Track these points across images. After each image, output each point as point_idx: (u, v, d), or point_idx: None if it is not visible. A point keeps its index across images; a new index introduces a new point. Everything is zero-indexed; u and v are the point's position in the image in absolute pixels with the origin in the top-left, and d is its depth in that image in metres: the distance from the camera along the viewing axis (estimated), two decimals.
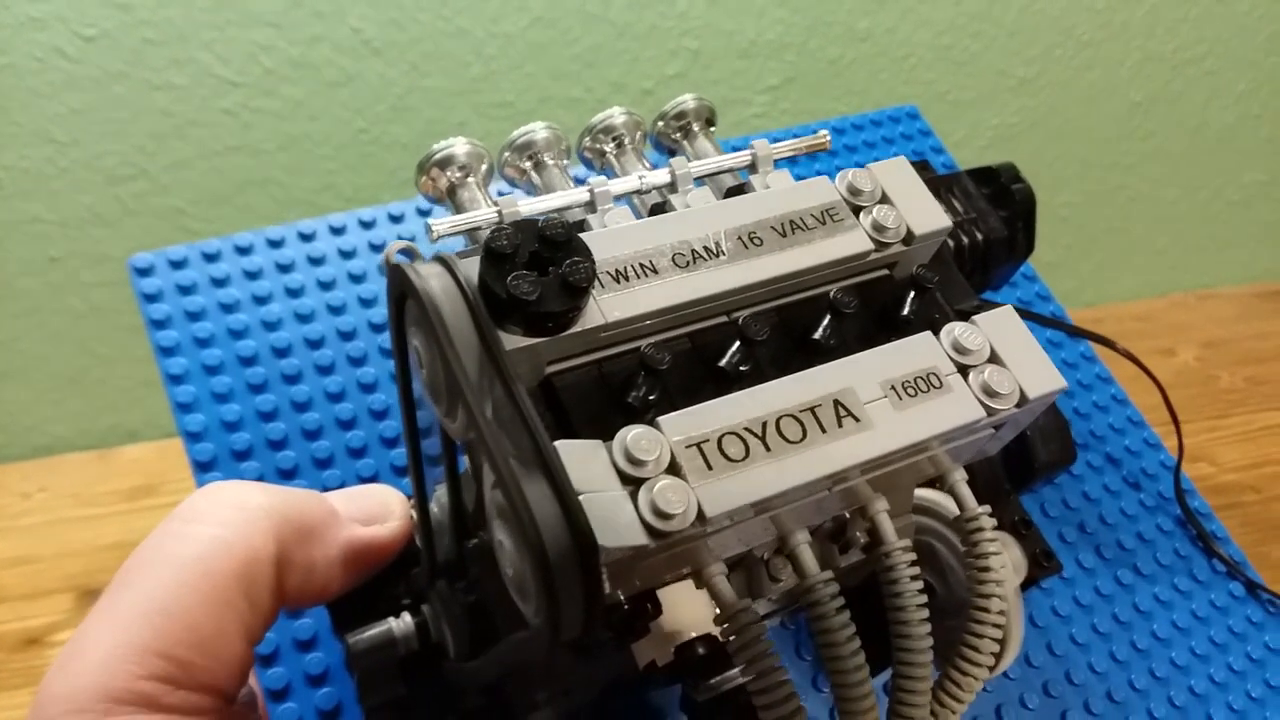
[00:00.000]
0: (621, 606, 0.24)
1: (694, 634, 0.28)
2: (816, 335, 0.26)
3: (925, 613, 0.26)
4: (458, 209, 0.29)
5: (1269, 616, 0.47)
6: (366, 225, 0.44)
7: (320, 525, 0.27)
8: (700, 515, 0.22)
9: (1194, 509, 0.50)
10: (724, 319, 0.26)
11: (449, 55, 0.72)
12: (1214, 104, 0.90)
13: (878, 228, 0.27)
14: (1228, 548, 0.49)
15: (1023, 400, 0.26)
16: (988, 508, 0.28)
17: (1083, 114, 0.87)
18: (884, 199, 0.28)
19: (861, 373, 0.25)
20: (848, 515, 0.27)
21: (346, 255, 0.43)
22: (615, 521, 0.21)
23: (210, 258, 0.41)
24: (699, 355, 0.25)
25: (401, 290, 0.23)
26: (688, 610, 0.28)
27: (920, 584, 0.27)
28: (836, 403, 0.24)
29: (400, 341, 0.25)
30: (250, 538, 0.24)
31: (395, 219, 0.45)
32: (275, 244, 0.42)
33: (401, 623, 0.30)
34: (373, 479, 0.38)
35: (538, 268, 0.23)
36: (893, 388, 0.25)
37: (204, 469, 0.36)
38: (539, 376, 0.24)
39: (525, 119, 0.74)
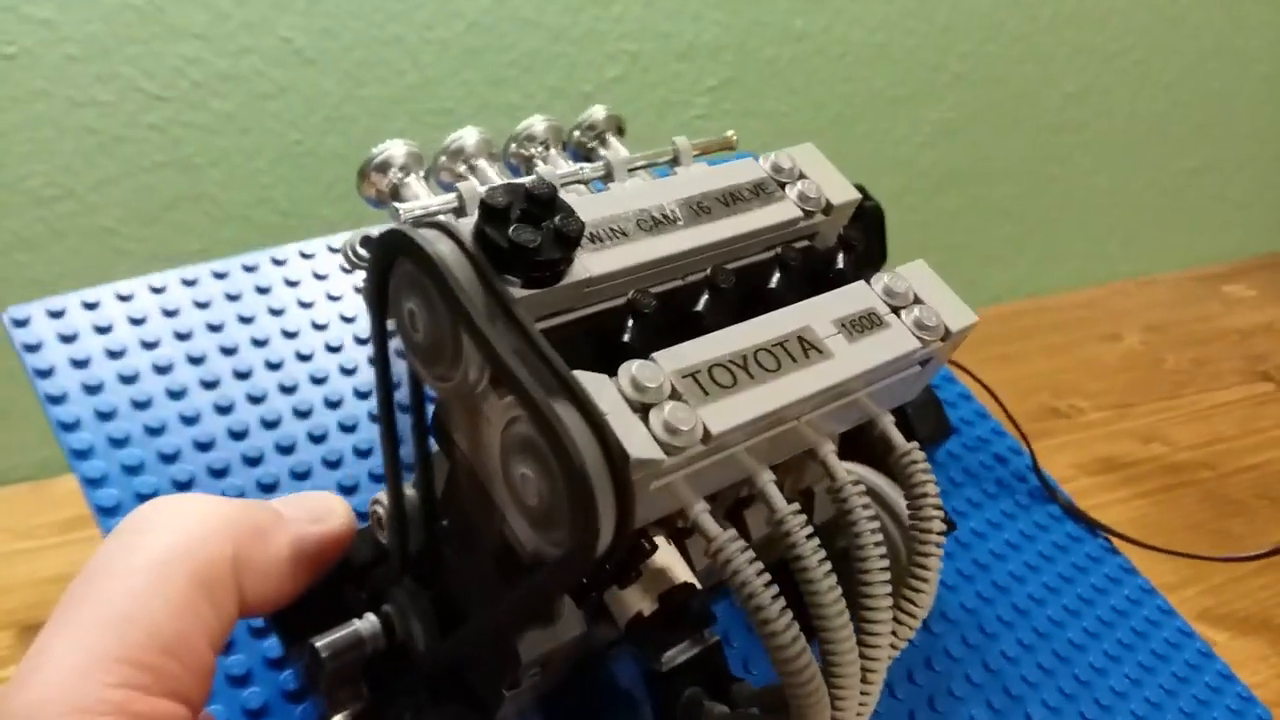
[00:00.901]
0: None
1: (676, 583, 0.32)
2: (771, 285, 0.31)
3: (880, 537, 0.31)
4: None
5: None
6: (250, 269, 0.47)
7: (269, 526, 0.29)
8: (706, 432, 0.26)
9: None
10: (683, 281, 0.31)
11: (384, 63, 0.76)
12: (1143, 94, 0.98)
13: (803, 198, 0.33)
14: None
15: (946, 334, 0.32)
16: (914, 445, 0.33)
17: (1017, 107, 0.94)
18: (802, 175, 0.34)
19: (815, 314, 0.30)
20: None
21: (233, 299, 0.46)
22: (633, 439, 0.25)
23: (90, 306, 0.43)
24: (675, 305, 0.30)
25: (390, 254, 0.27)
26: (666, 572, 0.32)
27: (871, 513, 0.31)
28: (800, 338, 0.29)
29: (380, 314, 0.29)
30: (207, 540, 0.26)
31: (279, 262, 0.48)
32: (158, 290, 0.45)
33: (366, 622, 0.34)
34: None
35: (530, 224, 0.27)
36: (843, 325, 0.30)
37: (109, 514, 0.38)
38: None
39: (464, 126, 0.79)
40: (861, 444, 0.34)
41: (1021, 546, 0.53)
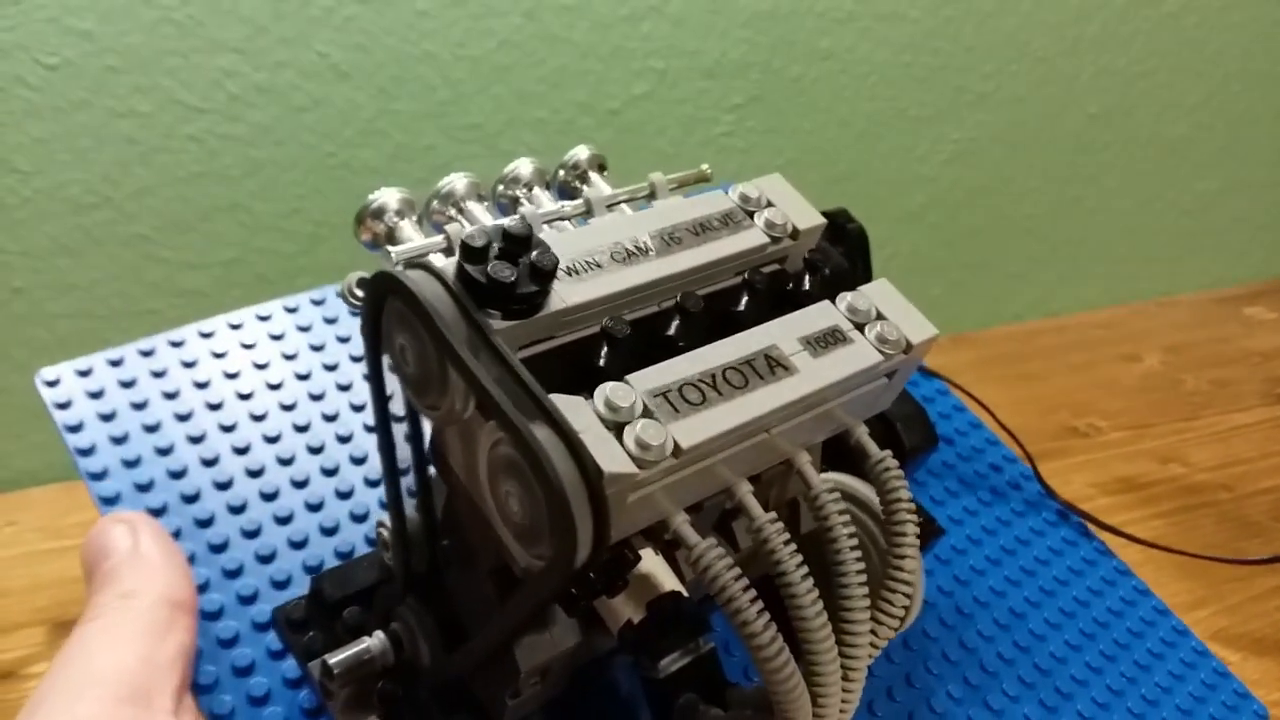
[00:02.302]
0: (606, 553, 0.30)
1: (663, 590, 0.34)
2: (740, 308, 0.33)
3: (854, 542, 0.33)
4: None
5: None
6: (264, 319, 0.51)
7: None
8: (676, 447, 0.28)
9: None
10: (657, 307, 0.33)
11: (416, 79, 0.78)
12: (1166, 116, 0.98)
13: (770, 225, 0.36)
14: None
15: (908, 347, 0.34)
16: (889, 452, 0.35)
17: (1041, 128, 0.95)
18: (769, 204, 0.36)
19: (780, 334, 0.32)
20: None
21: (248, 347, 0.49)
22: (607, 455, 0.27)
23: (115, 363, 0.47)
24: (647, 330, 0.32)
25: (383, 292, 0.30)
26: (652, 581, 0.34)
27: (846, 518, 0.33)
28: (767, 356, 0.31)
29: (375, 350, 0.31)
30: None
31: (291, 310, 0.52)
32: (177, 344, 0.48)
33: (376, 640, 0.36)
34: (303, 543, 0.44)
35: (508, 261, 0.29)
36: (808, 343, 0.32)
37: None
38: None
39: (494, 141, 0.81)
40: (845, 453, 0.36)
41: (1017, 551, 0.55)
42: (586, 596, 0.31)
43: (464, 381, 0.28)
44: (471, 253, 0.28)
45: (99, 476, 0.43)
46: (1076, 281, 1.04)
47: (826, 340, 0.33)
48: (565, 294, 0.30)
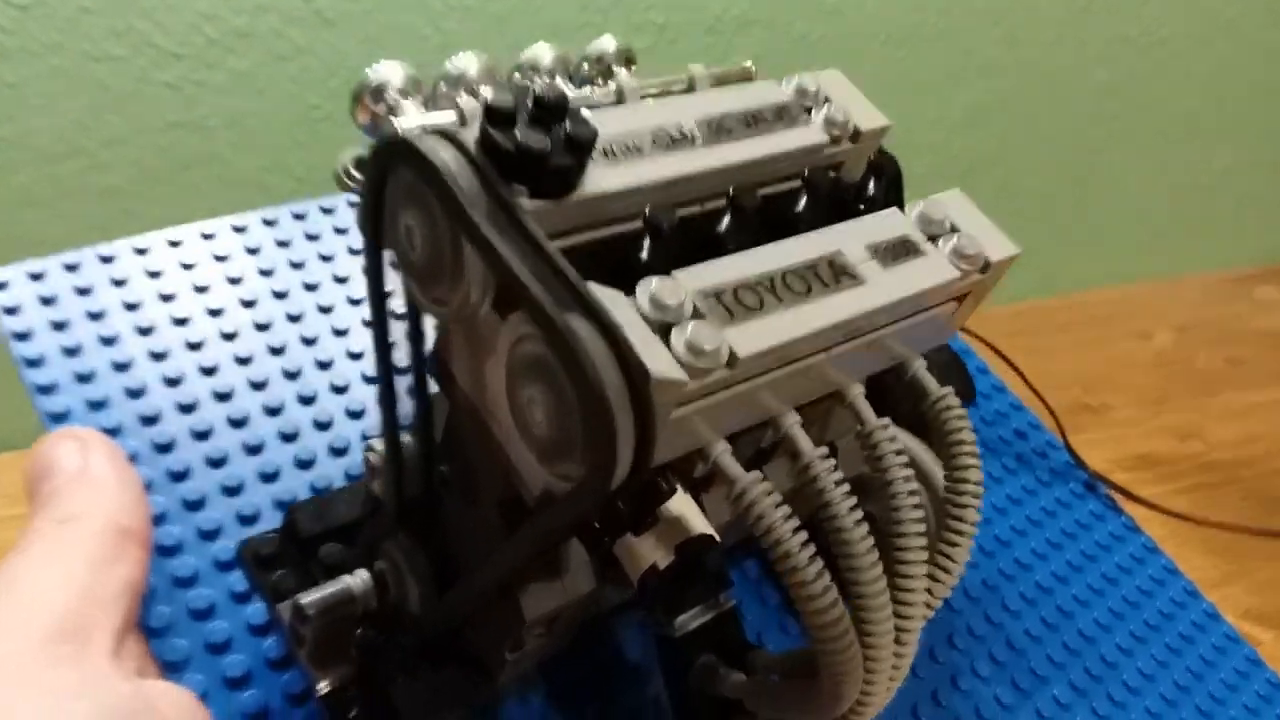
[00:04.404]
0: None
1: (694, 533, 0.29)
2: (799, 209, 0.28)
3: (914, 485, 0.28)
4: None
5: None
6: (239, 230, 0.46)
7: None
8: (731, 355, 0.23)
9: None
10: (700, 208, 0.28)
11: (406, 27, 0.73)
12: (1178, 87, 0.95)
13: (830, 123, 0.31)
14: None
15: (986, 265, 0.29)
16: (949, 390, 0.30)
17: (1050, 95, 0.91)
18: (828, 100, 0.32)
19: (846, 240, 0.27)
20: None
21: (221, 260, 0.44)
22: (653, 358, 0.22)
23: (71, 268, 0.42)
24: (693, 228, 0.27)
25: (390, 162, 0.25)
26: (681, 524, 0.30)
27: (904, 459, 0.29)
28: (831, 263, 0.26)
29: (375, 234, 0.26)
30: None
31: (269, 223, 0.47)
32: (141, 251, 0.44)
33: (357, 579, 0.31)
34: (275, 476, 0.39)
35: (539, 128, 0.24)
36: (876, 251, 0.27)
37: None
38: None
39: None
40: (886, 405, 0.32)
41: (1043, 523, 0.51)
42: (612, 531, 0.27)
43: (485, 263, 0.23)
44: (497, 116, 0.24)
45: (47, 390, 0.38)
46: (1084, 258, 1.00)
47: (897, 250, 0.28)
48: (601, 178, 0.26)
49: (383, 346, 0.28)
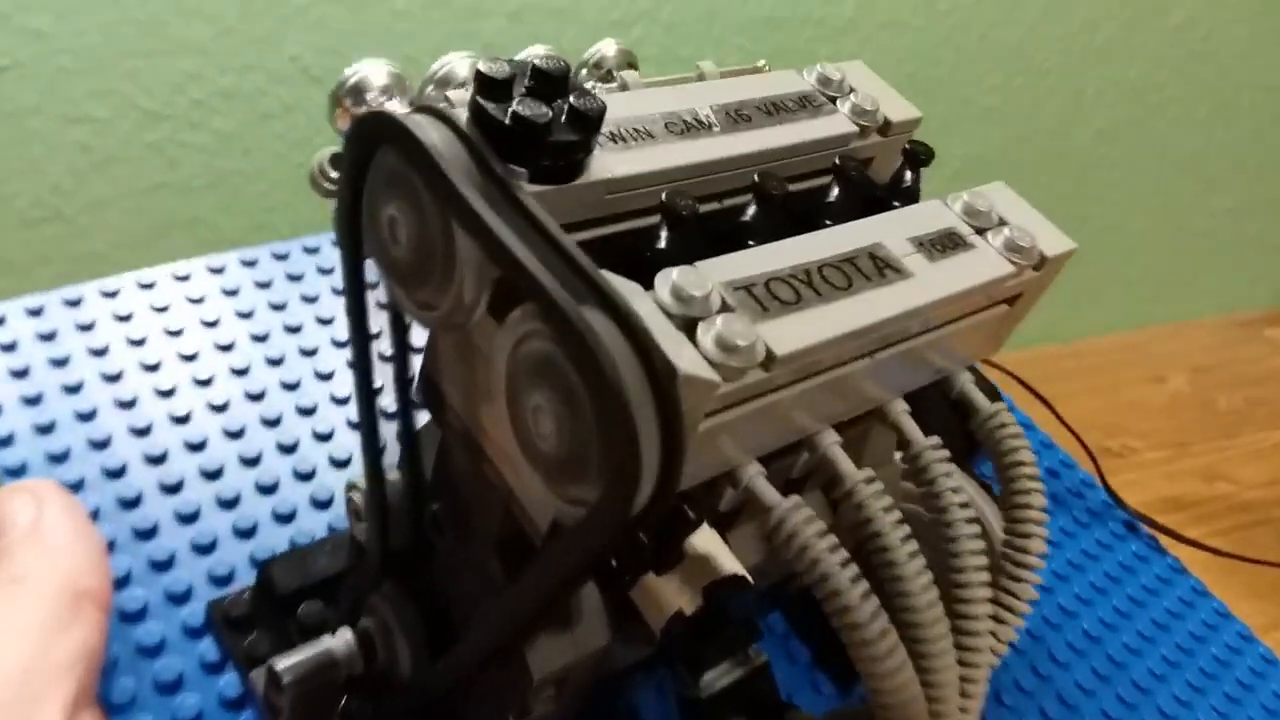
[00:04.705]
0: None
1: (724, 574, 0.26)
2: (830, 199, 0.25)
3: (971, 512, 0.25)
4: None
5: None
6: (216, 272, 0.43)
7: None
8: (769, 354, 0.20)
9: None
10: (719, 205, 0.25)
11: None
12: (1176, 131, 0.93)
13: (858, 112, 0.28)
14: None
15: (1042, 261, 0.26)
16: (1003, 405, 0.27)
17: (1048, 143, 0.88)
18: (853, 90, 0.28)
19: (885, 231, 0.24)
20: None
21: (195, 302, 0.41)
22: (680, 357, 0.19)
23: (34, 312, 0.39)
24: (715, 219, 0.24)
25: (371, 142, 0.21)
26: (709, 563, 0.26)
27: (956, 482, 0.25)
28: (871, 255, 0.23)
29: (353, 228, 0.23)
30: None
31: (249, 264, 0.44)
32: (110, 295, 0.41)
33: (339, 640, 0.27)
34: (252, 531, 0.35)
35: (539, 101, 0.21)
36: (920, 244, 0.24)
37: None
38: None
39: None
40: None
41: (1086, 567, 0.47)
42: (632, 569, 0.23)
43: (482, 250, 0.19)
44: (491, 86, 0.20)
45: (3, 442, 0.34)
46: (1089, 306, 0.97)
47: (943, 243, 0.25)
48: (609, 164, 0.22)
49: (363, 362, 0.24)
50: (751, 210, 0.23)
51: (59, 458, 0.34)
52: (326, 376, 0.39)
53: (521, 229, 0.19)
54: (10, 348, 0.37)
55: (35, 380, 0.36)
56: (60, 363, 0.37)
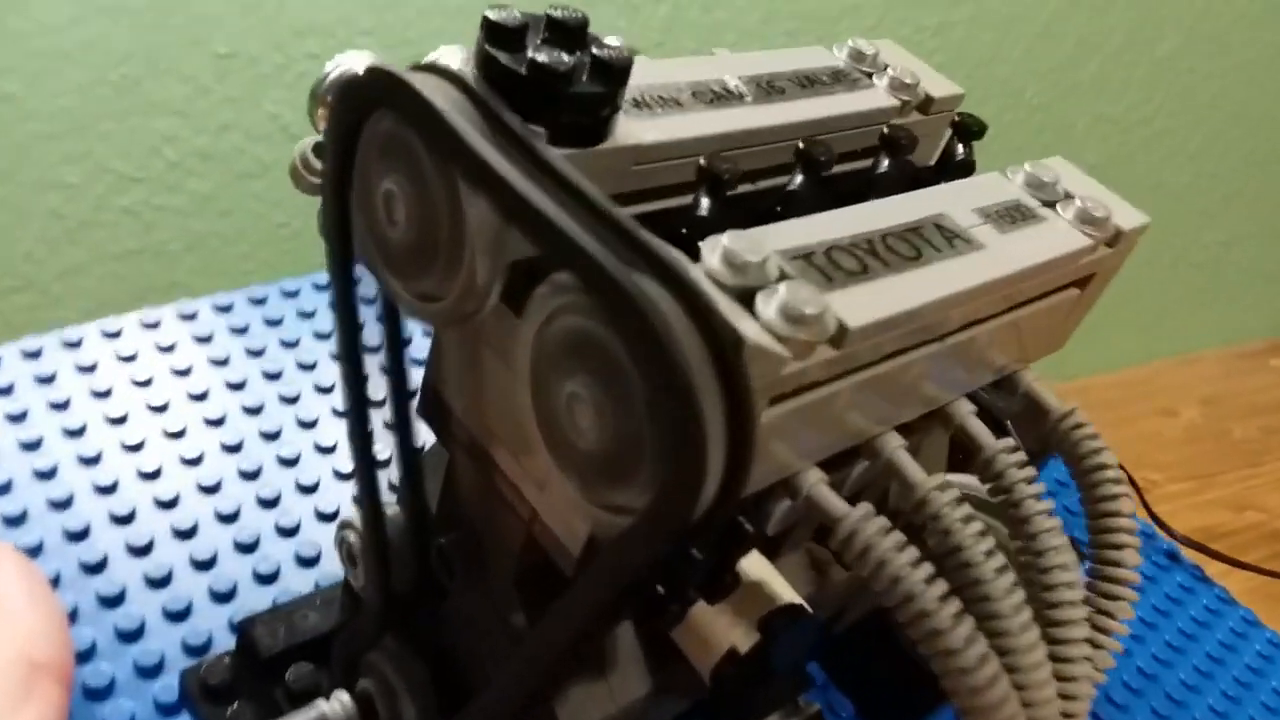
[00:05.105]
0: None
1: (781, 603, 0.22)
2: (881, 170, 0.22)
3: (1058, 522, 0.21)
4: None
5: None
6: (188, 318, 0.40)
7: None
8: (840, 327, 0.16)
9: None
10: (753, 186, 0.22)
11: None
12: (1168, 164, 0.91)
13: (897, 86, 0.25)
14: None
15: (1117, 236, 0.23)
16: (1076, 405, 0.24)
17: None
18: (888, 66, 0.26)
19: (947, 202, 0.21)
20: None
21: (166, 350, 0.38)
22: (741, 326, 0.15)
23: None
24: (751, 197, 0.21)
25: (364, 106, 0.18)
26: (764, 588, 0.22)
27: (1040, 488, 0.22)
28: (937, 225, 0.20)
29: (340, 212, 0.19)
30: None
31: (223, 309, 0.41)
32: (73, 345, 0.37)
33: (335, 704, 0.23)
34: (230, 594, 0.31)
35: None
36: (987, 215, 0.21)
37: None
38: None
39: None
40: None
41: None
42: (681, 596, 0.19)
43: (500, 213, 0.16)
44: (502, 35, 0.17)
45: None
46: (1093, 342, 0.95)
47: (1011, 215, 0.22)
48: (636, 130, 0.19)
49: (354, 369, 0.20)
50: (798, 180, 0.20)
51: (15, 520, 0.31)
52: (309, 424, 0.36)
53: (548, 189, 0.16)
54: None
55: None
56: (17, 418, 0.33)
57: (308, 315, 0.40)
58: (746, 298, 0.16)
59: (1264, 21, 0.89)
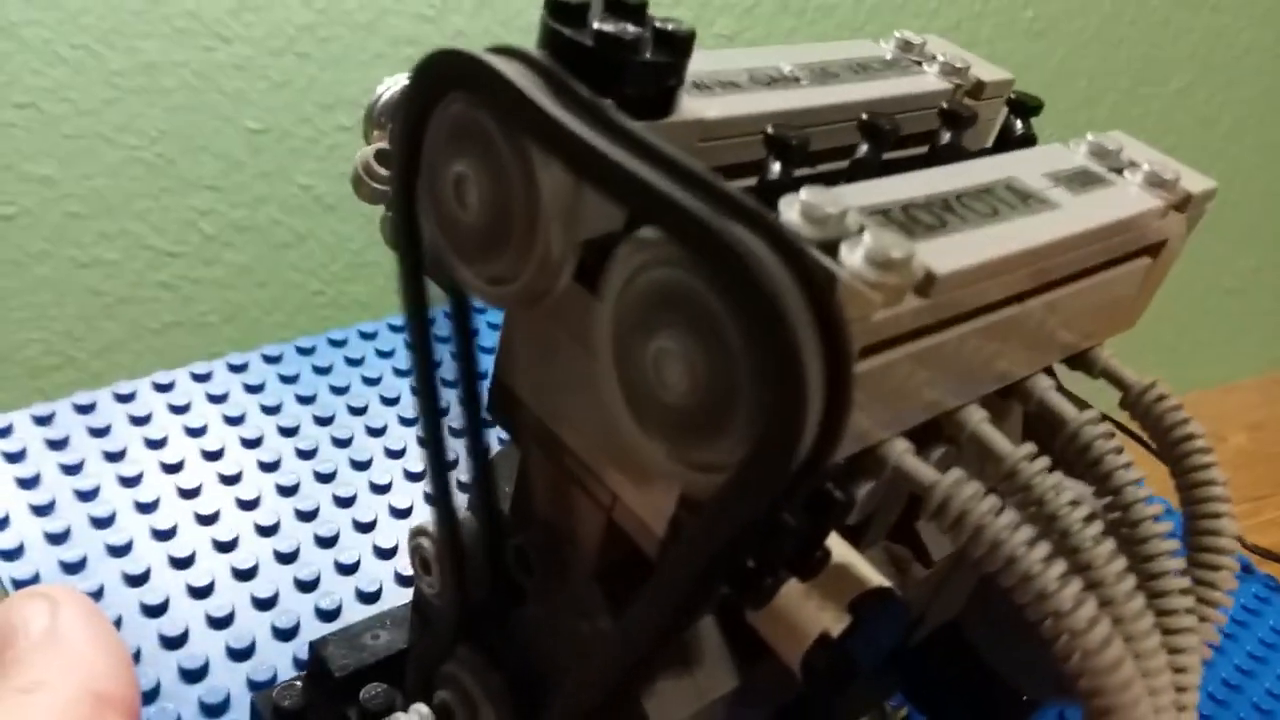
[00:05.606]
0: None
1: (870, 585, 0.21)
2: (945, 140, 0.22)
3: (1150, 491, 0.21)
4: None
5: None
6: (237, 370, 0.41)
7: None
8: (929, 275, 0.16)
9: None
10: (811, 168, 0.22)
11: None
12: None
13: (949, 71, 0.25)
14: None
15: (1186, 200, 0.23)
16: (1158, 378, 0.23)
17: None
18: (935, 55, 0.26)
19: (1016, 168, 0.21)
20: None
21: (217, 400, 0.38)
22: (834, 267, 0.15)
23: (42, 420, 0.36)
24: (820, 159, 0.20)
25: (433, 92, 0.18)
26: (851, 570, 0.22)
27: (1128, 457, 0.21)
28: (1009, 187, 0.20)
29: (409, 201, 0.19)
30: None
31: (271, 360, 0.41)
32: (125, 398, 0.38)
33: (414, 715, 0.23)
34: (293, 631, 0.31)
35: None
36: (1056, 180, 0.21)
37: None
38: None
39: None
40: None
41: None
42: (772, 569, 0.18)
43: (577, 173, 0.16)
44: (565, 11, 0.17)
45: (12, 556, 0.29)
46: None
47: (1081, 179, 0.21)
48: (700, 107, 0.19)
49: (425, 359, 0.20)
50: (864, 149, 0.20)
51: (74, 567, 0.30)
52: (363, 465, 0.36)
53: (626, 148, 0.16)
54: (17, 457, 0.33)
55: (47, 489, 0.32)
56: (73, 470, 0.33)
57: (322, 371, 0.40)
58: (830, 250, 0.16)
59: (1275, 51, 0.90)
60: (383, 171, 0.23)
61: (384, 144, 0.23)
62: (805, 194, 0.16)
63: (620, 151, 0.15)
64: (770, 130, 0.19)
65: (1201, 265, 0.95)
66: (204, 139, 0.63)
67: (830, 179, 0.21)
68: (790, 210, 0.16)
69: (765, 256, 0.13)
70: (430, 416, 0.21)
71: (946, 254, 0.17)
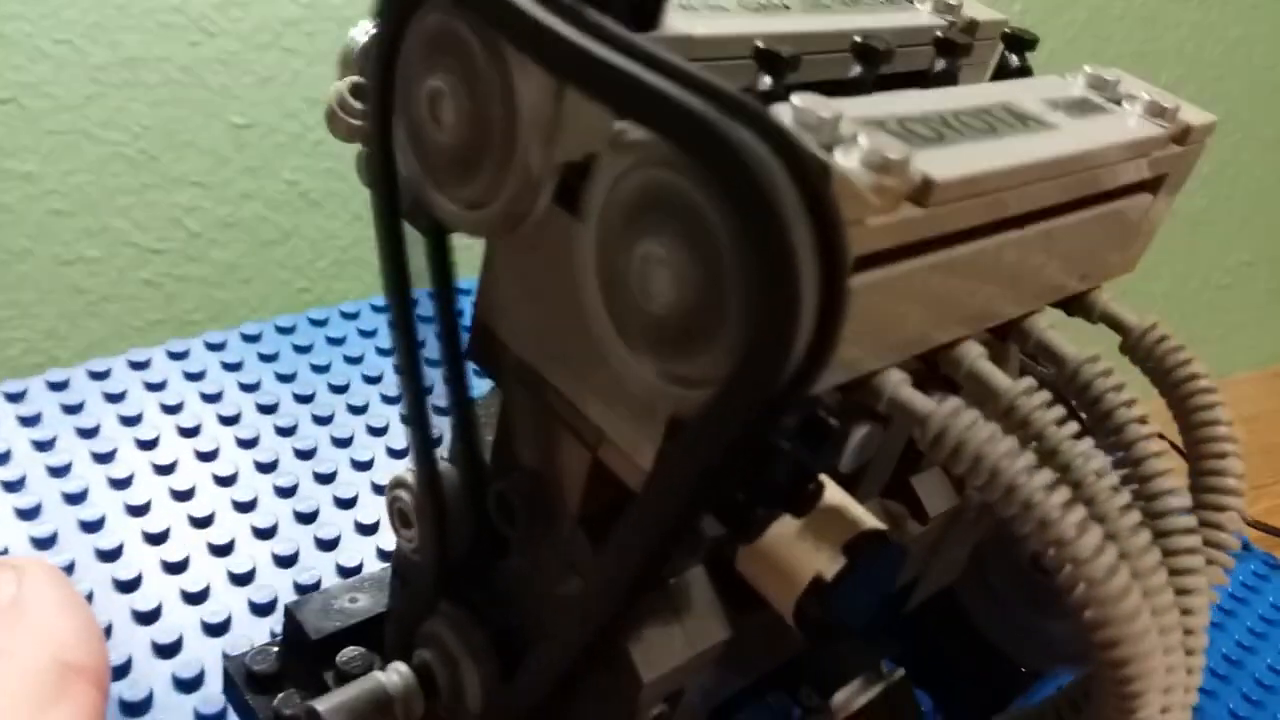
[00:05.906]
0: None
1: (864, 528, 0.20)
2: (940, 68, 0.21)
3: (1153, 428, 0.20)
4: None
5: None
6: (215, 347, 0.39)
7: None
8: (926, 182, 0.15)
9: None
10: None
11: None
12: (1182, 189, 0.91)
13: (941, 8, 0.24)
14: None
15: (1185, 132, 0.22)
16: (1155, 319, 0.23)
17: None
18: None
19: (1013, 94, 0.20)
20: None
21: (193, 378, 0.37)
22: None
23: (13, 397, 0.35)
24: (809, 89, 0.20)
25: (406, 5, 0.17)
26: (843, 513, 0.21)
27: (1131, 395, 0.20)
28: (1007, 108, 0.19)
29: (383, 118, 0.18)
30: None
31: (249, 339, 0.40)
32: (99, 375, 0.37)
33: (394, 674, 0.22)
34: (269, 607, 0.30)
35: None
36: (1055, 105, 0.20)
37: None
38: None
39: None
40: None
41: None
42: (763, 499, 0.17)
43: (560, 74, 0.15)
44: None
45: None
46: (1127, 370, 0.93)
47: (1080, 106, 0.21)
48: (685, 23, 0.18)
49: (403, 309, 0.19)
50: (856, 70, 0.19)
51: (44, 542, 0.29)
52: (344, 443, 0.35)
53: (616, 47, 0.15)
54: None
55: (18, 464, 0.31)
56: (44, 445, 0.32)
57: (337, 342, 0.39)
58: (827, 150, 0.15)
59: (1263, 46, 0.90)
60: (358, 105, 0.22)
61: (356, 77, 0.22)
62: (798, 99, 0.16)
63: (604, 49, 0.14)
64: (760, 44, 0.18)
65: (1195, 260, 0.95)
66: (188, 134, 0.63)
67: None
68: (784, 115, 0.16)
69: (758, 149, 0.13)
70: (408, 355, 0.20)
71: (944, 163, 0.16)
